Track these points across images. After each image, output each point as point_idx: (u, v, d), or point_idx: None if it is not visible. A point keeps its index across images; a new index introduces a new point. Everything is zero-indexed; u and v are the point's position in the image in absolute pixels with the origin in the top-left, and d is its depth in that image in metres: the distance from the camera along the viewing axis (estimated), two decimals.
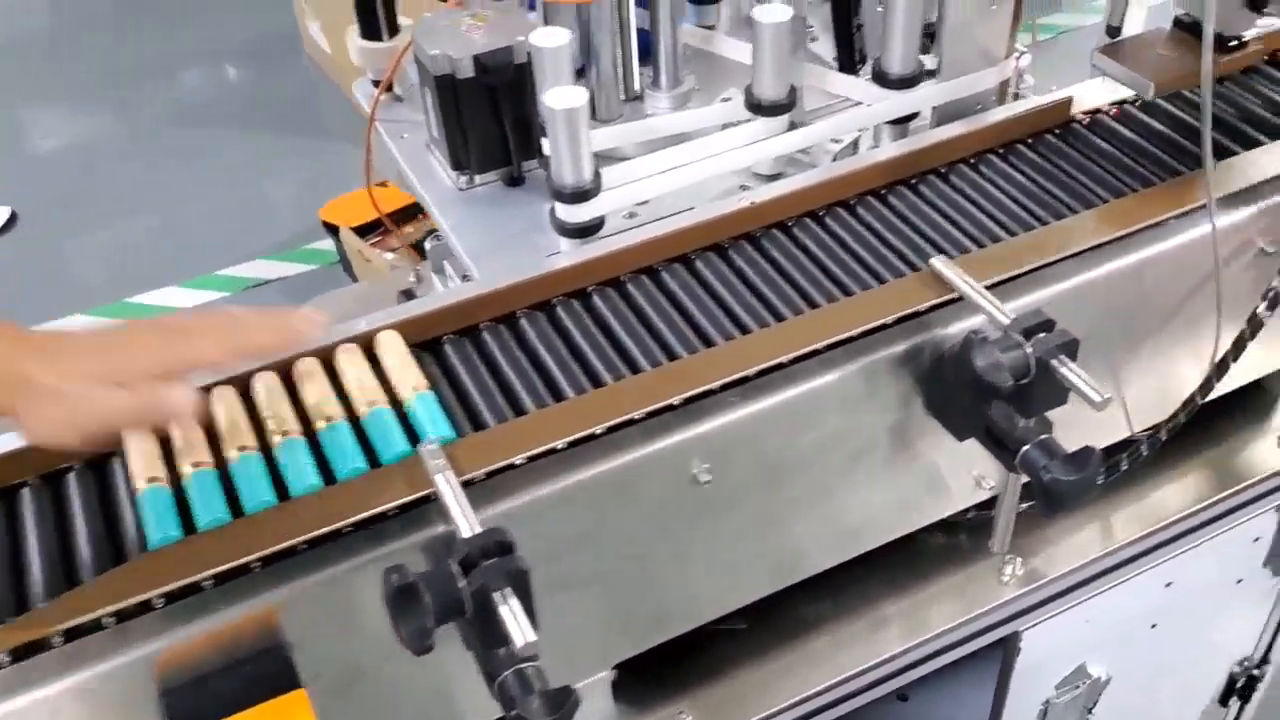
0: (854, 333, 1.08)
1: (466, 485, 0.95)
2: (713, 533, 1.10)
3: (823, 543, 1.19)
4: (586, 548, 1.04)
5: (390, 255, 2.70)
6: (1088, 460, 1.02)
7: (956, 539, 1.34)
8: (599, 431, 1.01)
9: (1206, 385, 1.21)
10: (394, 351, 1.07)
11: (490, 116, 1.35)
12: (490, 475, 0.98)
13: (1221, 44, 1.24)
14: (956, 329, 1.11)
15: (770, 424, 1.06)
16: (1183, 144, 1.29)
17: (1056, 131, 1.31)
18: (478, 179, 1.41)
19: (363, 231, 2.85)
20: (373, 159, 1.54)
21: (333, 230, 2.99)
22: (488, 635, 0.85)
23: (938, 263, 1.10)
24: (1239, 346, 1.20)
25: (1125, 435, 1.30)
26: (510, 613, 0.84)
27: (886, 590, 1.31)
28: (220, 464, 0.96)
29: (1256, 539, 1.48)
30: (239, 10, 4.52)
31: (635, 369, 1.08)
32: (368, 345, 1.08)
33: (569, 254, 1.24)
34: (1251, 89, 1.35)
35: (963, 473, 1.22)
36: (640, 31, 1.46)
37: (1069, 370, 0.98)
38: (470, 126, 1.35)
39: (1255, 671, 1.73)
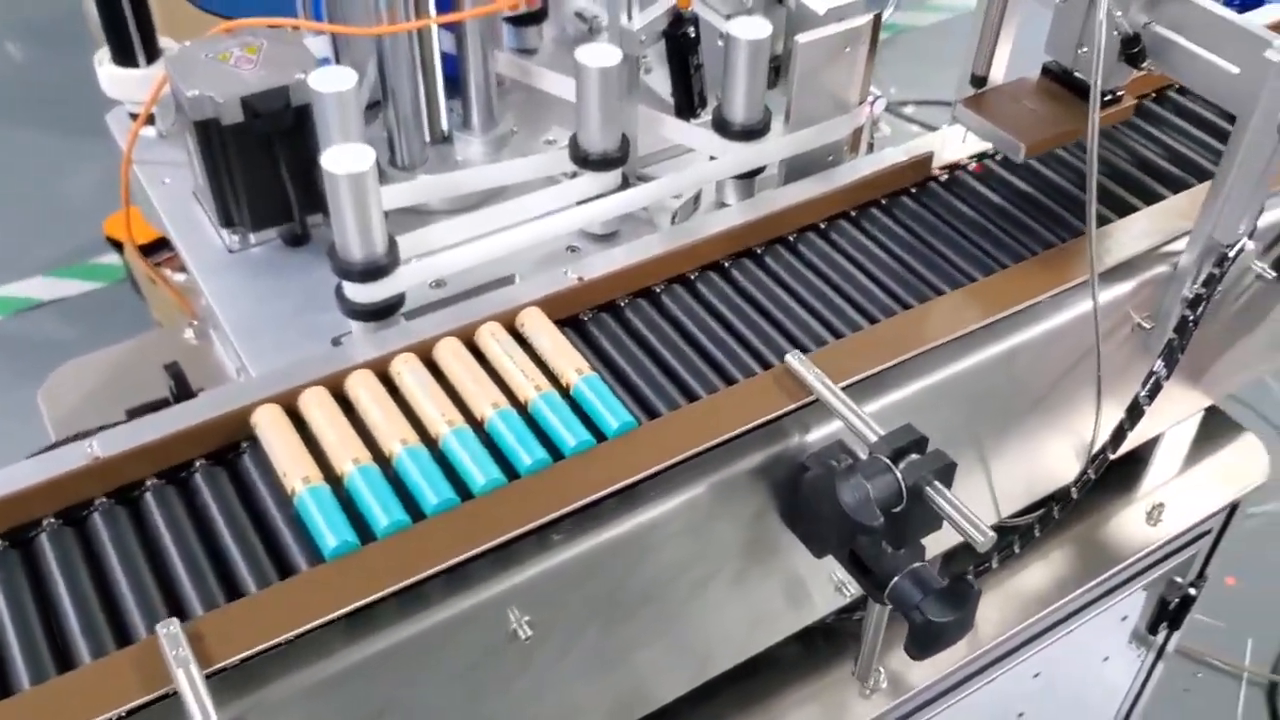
0: (698, 450, 0.91)
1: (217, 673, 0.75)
2: (539, 683, 0.92)
3: (667, 675, 1.03)
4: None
5: (182, 277, 2.41)
6: (966, 596, 0.89)
7: (814, 645, 1.20)
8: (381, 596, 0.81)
9: (1083, 481, 1.10)
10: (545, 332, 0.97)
11: (266, 166, 1.13)
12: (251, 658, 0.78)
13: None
14: (815, 436, 0.95)
15: (602, 563, 0.89)
16: (1050, 206, 1.16)
17: (913, 191, 1.17)
18: (253, 238, 1.19)
19: (151, 249, 2.54)
20: (128, 193, 1.31)
21: (119, 246, 2.68)
22: None
23: (793, 360, 0.95)
24: (1118, 438, 1.09)
25: (993, 522, 1.18)
26: None
27: (736, 709, 1.16)
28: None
29: (1125, 618, 1.39)
30: None
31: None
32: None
33: (360, 339, 1.04)
34: (1120, 144, 1.23)
35: (821, 579, 1.08)
36: (447, 57, 1.26)
37: (945, 502, 0.84)
38: (241, 178, 1.13)
39: None
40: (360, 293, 1.02)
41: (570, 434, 0.89)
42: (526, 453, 0.88)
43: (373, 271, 1.01)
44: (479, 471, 0.86)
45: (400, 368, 0.94)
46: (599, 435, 0.90)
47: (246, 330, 1.10)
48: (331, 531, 0.82)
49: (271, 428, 0.89)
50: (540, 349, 0.97)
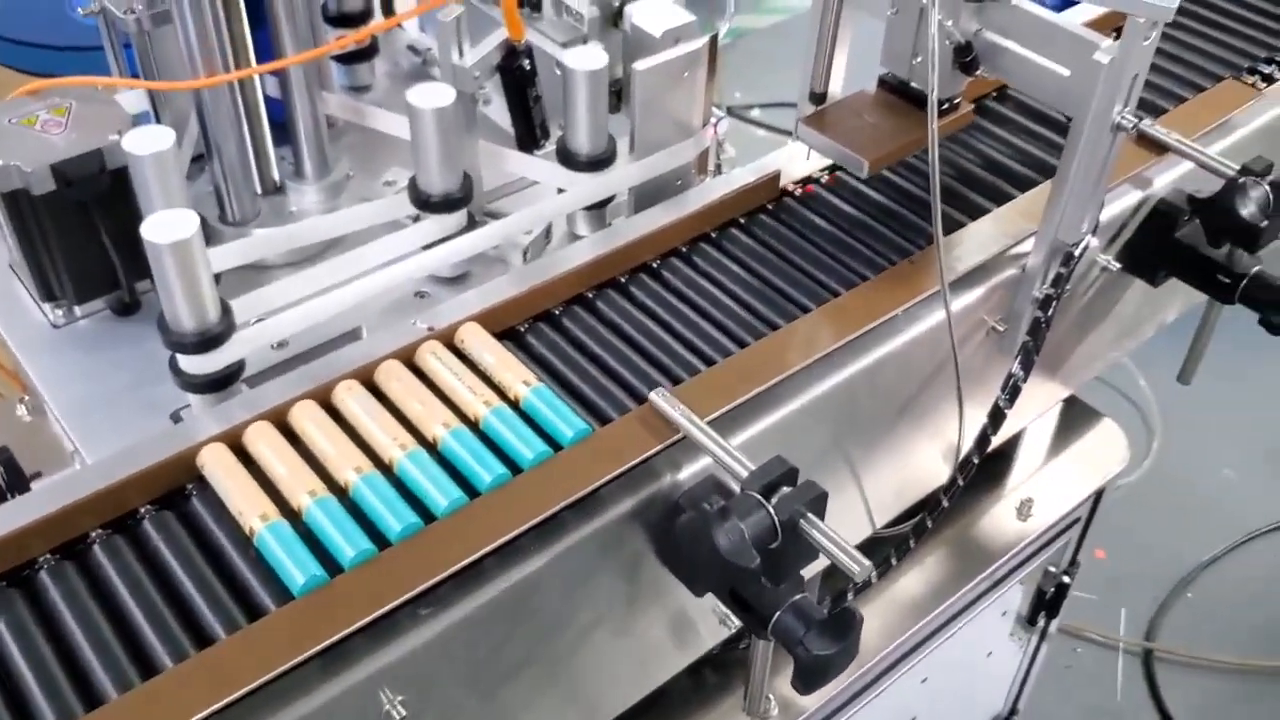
0: (566, 503, 0.88)
1: None
2: None
3: None
4: None
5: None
6: (849, 625, 0.87)
7: (702, 679, 1.18)
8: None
9: (952, 488, 1.10)
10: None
11: (85, 234, 1.06)
12: None
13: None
14: (687, 473, 0.93)
15: (474, 631, 0.85)
16: (900, 219, 1.16)
17: (761, 213, 1.16)
18: (78, 310, 1.11)
19: None
20: None
21: None
22: None
23: (658, 399, 0.92)
24: (983, 443, 1.09)
25: (868, 534, 1.18)
26: None
27: None
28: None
29: (1004, 612, 1.40)
30: None
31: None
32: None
33: (201, 413, 0.98)
34: (948, 160, 1.24)
35: (705, 612, 1.06)
36: (273, 102, 1.20)
37: (820, 534, 0.83)
38: (60, 248, 1.06)
39: None
40: (196, 364, 0.96)
41: (526, 447, 0.89)
42: (485, 470, 0.87)
43: (207, 341, 0.95)
44: (439, 494, 0.85)
45: (344, 395, 0.93)
46: (555, 446, 0.90)
47: (78, 411, 1.03)
48: (298, 569, 0.80)
49: (220, 469, 0.87)
50: (484, 365, 0.96)
